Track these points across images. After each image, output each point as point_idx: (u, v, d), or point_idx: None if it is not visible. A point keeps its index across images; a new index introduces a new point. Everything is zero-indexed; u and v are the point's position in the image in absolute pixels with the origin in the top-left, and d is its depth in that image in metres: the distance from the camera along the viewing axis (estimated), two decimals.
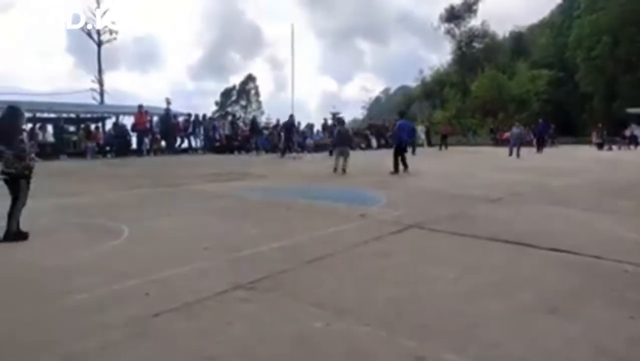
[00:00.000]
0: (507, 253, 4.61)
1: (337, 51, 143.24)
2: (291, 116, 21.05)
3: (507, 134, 38.59)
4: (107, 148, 19.82)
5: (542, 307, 3.24)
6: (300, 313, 3.14)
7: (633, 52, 47.97)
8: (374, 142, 29.41)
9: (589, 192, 9.25)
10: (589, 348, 2.68)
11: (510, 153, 19.65)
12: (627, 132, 35.14)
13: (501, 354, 2.62)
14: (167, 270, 3.97)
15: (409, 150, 14.46)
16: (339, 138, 13.03)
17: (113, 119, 21.87)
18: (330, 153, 15.58)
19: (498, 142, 37.27)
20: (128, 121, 20.65)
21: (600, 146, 30.45)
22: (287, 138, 20.54)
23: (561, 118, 52.00)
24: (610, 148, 30.19)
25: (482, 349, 2.66)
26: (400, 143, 12.84)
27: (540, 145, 25.83)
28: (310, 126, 26.96)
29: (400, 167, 12.75)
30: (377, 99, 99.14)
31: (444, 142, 28.81)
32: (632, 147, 32.52)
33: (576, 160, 18.61)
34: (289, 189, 9.35)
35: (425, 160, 17.57)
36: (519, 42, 61.88)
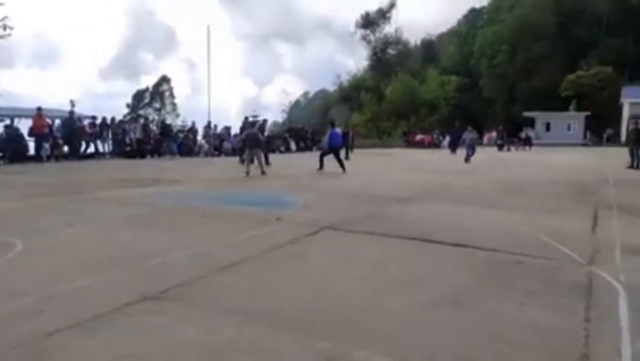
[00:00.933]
0: (415, 250, 4.85)
1: (256, 54, 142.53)
2: (253, 118, 18.75)
3: (419, 137, 40.67)
4: (0, 154, 18.14)
5: (445, 301, 3.44)
6: (211, 322, 3.07)
7: (529, 61, 52.66)
8: (293, 145, 29.60)
9: (490, 190, 10.00)
10: (486, 335, 2.89)
11: (467, 160, 18.39)
12: (522, 134, 38.48)
13: (409, 348, 2.75)
14: (66, 285, 3.71)
15: (343, 154, 16.34)
16: (248, 141, 13.16)
17: (7, 122, 20.02)
18: (241, 161, 15.42)
19: (410, 144, 39.12)
20: (25, 124, 19.06)
21: (500, 147, 32.93)
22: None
23: (467, 121, 55.78)
24: (509, 149, 32.87)
25: (391, 344, 2.77)
26: (332, 148, 14.40)
27: (455, 149, 27.18)
28: (227, 128, 26.57)
29: (327, 166, 14.16)
30: (297, 103, 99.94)
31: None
32: (527, 147, 35.63)
33: (480, 161, 20.05)
34: (204, 194, 9.15)
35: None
36: (430, 49, 65.61)
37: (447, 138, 39.29)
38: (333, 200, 8.35)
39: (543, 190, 10.00)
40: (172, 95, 68.54)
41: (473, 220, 6.48)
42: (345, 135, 20.73)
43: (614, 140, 41.38)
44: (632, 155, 16.25)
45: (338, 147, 14.71)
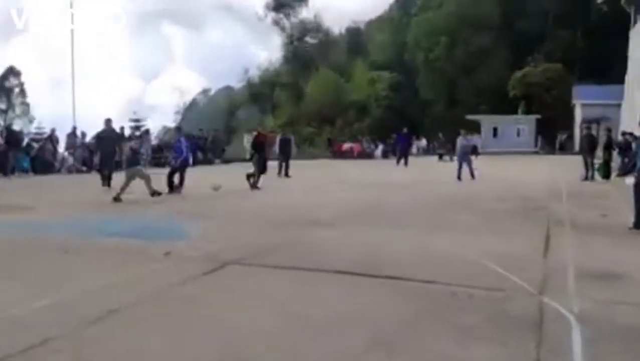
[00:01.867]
0: (337, 286, 4.92)
1: (139, 40, 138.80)
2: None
3: (346, 145, 41.62)
4: None
5: (374, 346, 3.51)
6: None
7: (470, 55, 55.88)
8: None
9: (430, 208, 10.43)
10: None
11: (459, 176, 17.69)
12: None
13: None
14: None
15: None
16: (128, 159, 12.76)
17: None
18: (106, 181, 14.76)
19: (336, 155, 39.81)
20: None
21: (441, 157, 34.42)
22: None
23: (403, 126, 58.09)
24: (451, 159, 34.52)
25: None
26: (183, 164, 13.99)
27: (401, 158, 27.68)
28: (146, 132, 25.86)
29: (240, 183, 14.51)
30: (195, 103, 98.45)
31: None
32: (472, 156, 37.67)
33: (419, 174, 20.88)
34: (66, 224, 8.71)
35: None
36: (357, 39, 67.05)
37: (380, 147, 40.74)
38: (239, 227, 8.28)
39: (490, 207, 10.60)
40: (22, 93, 64.69)
41: (408, 246, 6.71)
42: (286, 142, 21.35)
43: (567, 146, 45.00)
44: (586, 166, 17.71)
45: (187, 162, 14.47)
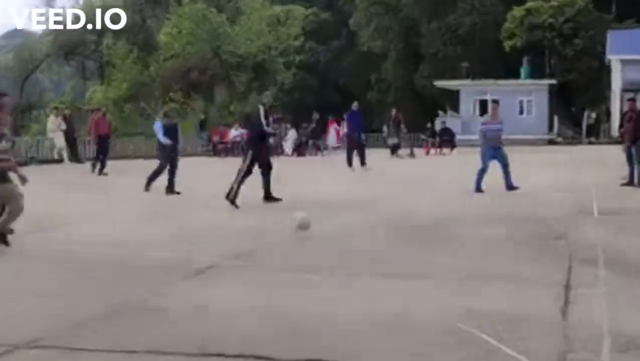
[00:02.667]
0: None
1: None
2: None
3: (233, 133, 41.53)
4: None
5: None
6: None
7: None
8: None
9: (381, 240, 10.56)
10: None
11: (479, 186, 17.87)
12: (437, 125, 41.27)
13: None
14: None
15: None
16: None
17: None
18: None
19: (217, 150, 39.56)
20: None
21: (395, 149, 34.78)
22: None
23: (324, 96, 58.76)
24: (411, 154, 34.92)
25: None
26: None
27: (351, 153, 27.14)
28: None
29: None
30: None
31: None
32: (444, 149, 38.32)
33: (365, 179, 21.09)
34: None
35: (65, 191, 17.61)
36: None
37: (291, 136, 40.90)
38: (44, 279, 8.15)
39: (481, 235, 10.96)
40: None
41: (338, 307, 6.73)
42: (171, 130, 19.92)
43: (600, 131, 46.44)
44: (630, 163, 18.40)
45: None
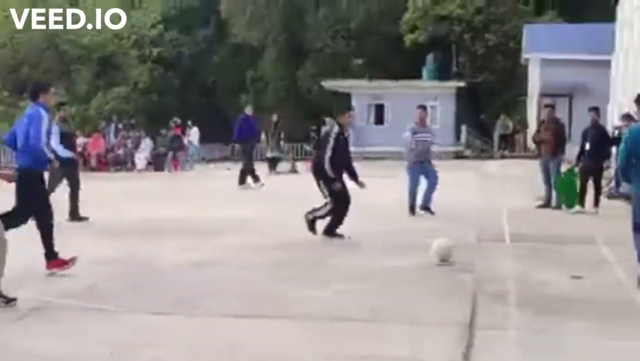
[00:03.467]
0: None
1: None
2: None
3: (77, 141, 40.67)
4: None
5: None
6: None
7: None
8: None
9: (247, 271, 10.50)
10: None
11: (413, 206, 17.90)
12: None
13: None
14: None
15: None
16: None
17: None
18: None
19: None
20: None
21: (273, 165, 34.42)
22: None
23: (188, 98, 57.84)
24: (294, 169, 34.64)
25: None
26: None
27: (248, 170, 26.59)
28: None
29: None
30: None
31: None
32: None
33: (235, 201, 21.02)
34: None
35: None
36: None
37: (146, 147, 40.19)
38: None
39: (368, 267, 10.99)
40: None
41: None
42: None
43: (512, 142, 47.12)
44: (547, 181, 18.79)
45: None
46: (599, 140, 18.44)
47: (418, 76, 50.52)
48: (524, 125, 48.20)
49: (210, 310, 8.59)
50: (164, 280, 10.47)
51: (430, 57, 50.87)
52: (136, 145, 39.72)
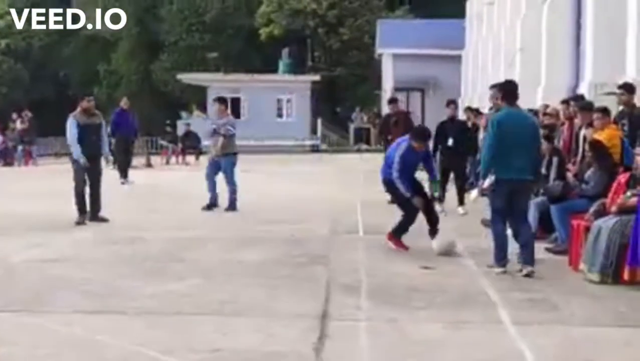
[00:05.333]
0: None
1: None
2: None
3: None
4: None
5: None
6: None
7: None
8: None
9: (93, 267, 10.46)
10: None
11: (214, 201, 18.06)
12: (180, 128, 40.78)
13: None
14: None
15: None
16: None
17: None
18: None
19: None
20: None
21: (129, 168, 33.87)
22: None
23: (40, 91, 56.80)
24: (148, 164, 34.25)
25: None
26: None
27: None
28: None
29: None
30: None
31: None
32: (188, 158, 37.43)
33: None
34: None
35: None
36: None
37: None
38: None
39: (226, 258, 11.08)
40: None
41: None
42: None
43: (368, 136, 47.57)
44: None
45: None
46: (461, 135, 18.06)
47: (275, 70, 50.64)
48: (378, 118, 48.58)
49: (60, 307, 8.46)
50: (11, 277, 10.31)
51: (285, 51, 51.03)
52: None
